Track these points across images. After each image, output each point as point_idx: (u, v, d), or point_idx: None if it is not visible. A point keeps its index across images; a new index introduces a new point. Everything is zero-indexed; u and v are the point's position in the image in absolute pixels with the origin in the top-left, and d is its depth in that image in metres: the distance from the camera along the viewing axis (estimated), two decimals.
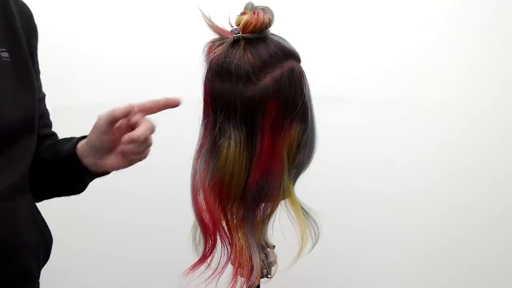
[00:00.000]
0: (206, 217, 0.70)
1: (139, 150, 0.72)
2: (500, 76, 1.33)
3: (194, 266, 0.72)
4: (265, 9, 0.65)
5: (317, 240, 0.75)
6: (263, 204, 0.70)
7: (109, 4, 1.29)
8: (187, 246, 0.76)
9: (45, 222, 0.82)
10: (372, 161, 1.37)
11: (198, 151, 0.70)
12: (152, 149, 1.39)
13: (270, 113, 0.64)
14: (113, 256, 1.37)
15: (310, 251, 0.73)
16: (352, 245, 1.39)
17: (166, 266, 1.23)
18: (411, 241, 1.40)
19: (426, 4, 1.31)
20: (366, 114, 1.35)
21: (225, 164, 0.66)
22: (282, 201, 0.72)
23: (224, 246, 0.71)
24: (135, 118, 0.70)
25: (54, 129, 1.14)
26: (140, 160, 0.75)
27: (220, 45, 0.65)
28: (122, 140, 0.68)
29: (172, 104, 0.70)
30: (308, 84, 0.69)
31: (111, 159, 0.74)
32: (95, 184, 1.33)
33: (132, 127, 0.70)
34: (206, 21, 0.66)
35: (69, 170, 0.77)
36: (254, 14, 0.63)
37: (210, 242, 0.70)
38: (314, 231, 0.74)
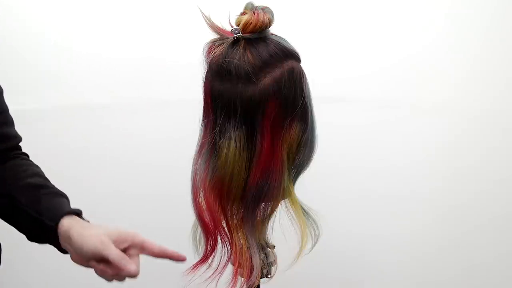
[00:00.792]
0: (207, 217, 0.70)
1: (120, 279, 0.68)
2: (500, 76, 1.33)
3: (195, 266, 0.72)
4: (265, 9, 0.65)
5: (317, 240, 0.75)
6: (263, 204, 0.70)
7: (109, 4, 1.29)
8: (188, 246, 0.76)
9: None
10: (372, 161, 1.37)
11: (198, 151, 0.70)
12: (152, 149, 1.40)
13: (270, 113, 0.64)
14: None
15: (310, 251, 0.73)
16: (352, 245, 1.39)
17: (166, 266, 1.23)
18: (411, 241, 1.40)
19: (426, 4, 1.31)
20: (366, 114, 1.35)
21: (225, 164, 0.66)
22: (282, 201, 0.72)
23: (224, 246, 0.71)
24: (132, 251, 0.68)
25: (54, 129, 1.14)
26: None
27: (220, 45, 0.65)
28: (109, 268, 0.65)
29: (177, 259, 0.68)
30: (308, 84, 0.69)
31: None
32: (95, 184, 1.33)
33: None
34: (206, 21, 0.66)
35: (41, 234, 0.71)
36: (254, 14, 0.64)
37: (211, 242, 0.70)
38: (314, 231, 0.75)
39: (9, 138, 0.80)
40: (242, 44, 0.64)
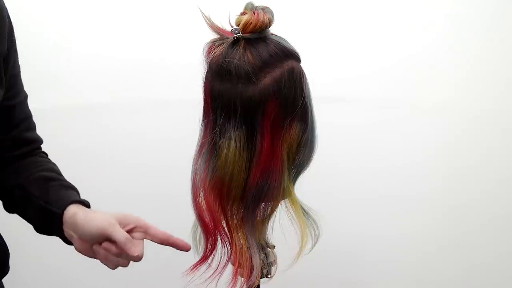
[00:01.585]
0: (207, 217, 0.70)
1: (124, 264, 0.69)
2: (500, 76, 1.33)
3: (195, 266, 0.72)
4: (265, 9, 0.65)
5: (317, 240, 0.75)
6: (263, 204, 0.70)
7: (109, 4, 1.29)
8: None
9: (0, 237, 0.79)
10: (372, 161, 1.37)
11: (198, 151, 0.70)
12: (152, 149, 1.40)
13: (270, 113, 0.64)
14: None
15: (310, 251, 0.73)
16: (352, 245, 1.39)
17: (166, 266, 1.23)
18: (411, 241, 1.40)
19: (426, 4, 1.31)
20: (366, 114, 1.35)
21: (225, 164, 0.66)
22: (282, 201, 0.72)
23: (224, 246, 0.71)
24: (137, 234, 0.68)
25: (54, 128, 1.14)
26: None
27: (220, 45, 0.65)
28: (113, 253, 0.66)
29: (182, 247, 0.69)
30: (308, 84, 0.69)
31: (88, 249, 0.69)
32: (95, 184, 1.33)
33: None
34: (206, 21, 0.66)
35: (47, 222, 0.72)
36: (254, 14, 0.63)
37: (211, 242, 0.70)
38: (314, 231, 0.75)
39: (33, 141, 0.83)
40: (242, 44, 0.64)
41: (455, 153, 1.36)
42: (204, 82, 0.68)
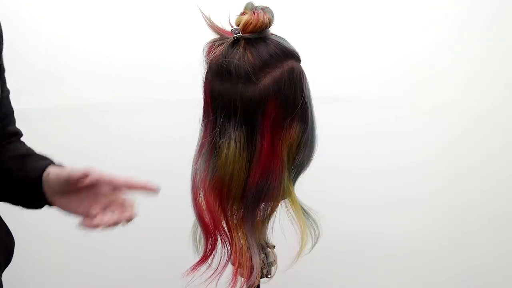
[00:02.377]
0: (207, 217, 0.70)
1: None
2: (500, 76, 1.33)
3: (195, 266, 0.72)
4: (265, 9, 0.65)
5: (317, 240, 0.75)
6: (263, 204, 0.70)
7: (109, 4, 1.29)
8: (188, 246, 0.76)
9: (5, 226, 0.80)
10: (372, 161, 1.37)
11: (198, 151, 0.70)
12: (153, 149, 1.40)
13: (270, 113, 0.64)
14: (113, 256, 1.37)
15: (310, 251, 0.73)
16: (352, 245, 1.39)
17: (166, 266, 1.23)
18: (411, 240, 1.40)
19: (426, 4, 1.31)
20: (366, 114, 1.35)
21: (225, 164, 0.66)
22: (282, 201, 0.72)
23: (224, 246, 0.71)
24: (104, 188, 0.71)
25: (55, 129, 1.14)
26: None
27: (220, 45, 0.65)
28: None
29: (150, 190, 0.72)
30: (308, 84, 0.69)
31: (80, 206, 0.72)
32: None
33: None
34: (206, 21, 0.66)
35: (30, 193, 0.74)
36: (254, 14, 0.63)
37: (211, 242, 0.70)
38: (314, 231, 0.74)
39: (14, 135, 0.84)
40: (242, 44, 0.64)
41: (455, 153, 1.36)
42: (204, 82, 0.68)
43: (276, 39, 0.66)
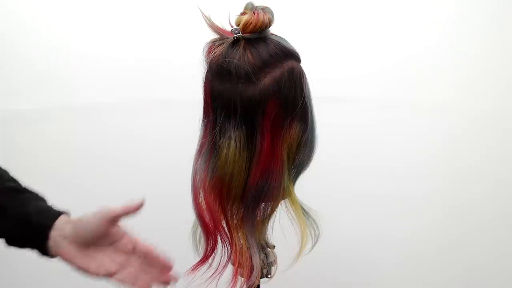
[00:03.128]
0: (206, 217, 0.70)
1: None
2: (500, 76, 1.33)
3: (196, 267, 0.72)
4: (265, 9, 0.65)
5: (317, 240, 0.75)
6: (263, 204, 0.70)
7: (109, 4, 1.29)
8: (188, 246, 0.76)
9: None
10: (372, 161, 1.37)
11: (198, 151, 0.70)
12: (154, 149, 1.40)
13: (270, 113, 0.64)
14: None
15: (310, 251, 0.73)
16: (352, 245, 1.39)
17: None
18: (411, 240, 1.40)
19: (426, 4, 1.32)
20: (366, 114, 1.35)
21: (225, 164, 0.66)
22: (282, 201, 0.72)
23: (224, 246, 0.71)
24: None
25: (55, 129, 1.14)
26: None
27: (220, 45, 0.65)
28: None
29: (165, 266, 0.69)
30: (308, 84, 0.69)
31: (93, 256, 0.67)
32: (97, 184, 1.34)
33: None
34: (206, 21, 0.66)
35: (26, 234, 0.68)
36: (254, 14, 0.63)
37: (211, 242, 0.70)
38: (314, 231, 0.75)
39: None
40: (242, 44, 0.64)
41: (455, 153, 1.36)
42: (204, 82, 0.68)
43: (276, 39, 0.66)
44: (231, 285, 0.70)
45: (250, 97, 0.63)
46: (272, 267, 0.76)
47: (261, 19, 0.63)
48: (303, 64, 0.69)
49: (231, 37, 0.65)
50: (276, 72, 0.64)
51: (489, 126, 1.35)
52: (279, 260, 0.77)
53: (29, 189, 0.74)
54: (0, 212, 0.68)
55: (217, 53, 0.64)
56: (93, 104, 1.31)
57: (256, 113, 0.64)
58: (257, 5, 0.66)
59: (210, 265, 0.72)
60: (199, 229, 0.73)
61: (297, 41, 0.70)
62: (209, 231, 0.70)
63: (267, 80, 0.63)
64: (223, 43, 0.65)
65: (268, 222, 0.73)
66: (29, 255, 1.29)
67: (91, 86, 1.31)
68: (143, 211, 1.35)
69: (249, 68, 0.62)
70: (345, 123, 1.34)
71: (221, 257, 0.71)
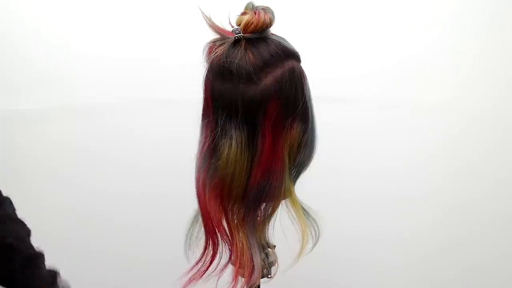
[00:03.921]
0: (208, 217, 0.70)
1: None
2: (500, 76, 1.33)
3: (196, 267, 0.72)
4: (266, 9, 0.65)
5: (317, 240, 0.75)
6: (264, 204, 0.70)
7: (109, 4, 1.29)
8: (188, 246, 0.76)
9: None
10: (372, 161, 1.37)
11: (199, 152, 0.70)
12: (154, 149, 1.40)
13: (271, 113, 0.64)
14: (113, 256, 1.37)
15: (311, 251, 0.73)
16: (352, 245, 1.39)
17: (166, 266, 1.23)
18: (411, 241, 1.40)
19: (426, 4, 1.31)
20: (366, 114, 1.35)
21: (226, 164, 0.66)
22: (283, 201, 0.72)
23: (225, 246, 0.71)
24: None
25: (55, 129, 1.13)
26: None
27: (221, 45, 0.65)
28: None
29: None
30: (308, 84, 0.69)
31: None
32: (97, 184, 1.33)
33: None
34: (206, 21, 0.66)
35: None
36: (255, 14, 0.63)
37: (211, 242, 0.70)
38: (315, 231, 0.75)
39: None
40: (243, 44, 0.64)
41: (455, 153, 1.36)
42: (205, 82, 0.68)
43: (277, 39, 0.66)
44: (231, 286, 0.69)
45: (251, 97, 0.63)
46: (272, 267, 0.76)
47: (262, 19, 0.63)
48: (303, 64, 0.69)
49: (232, 37, 0.65)
50: (277, 72, 0.64)
51: (489, 126, 1.35)
52: (279, 260, 0.77)
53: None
54: None
55: (218, 53, 0.64)
56: (93, 104, 1.31)
57: (257, 113, 0.64)
58: (257, 5, 0.66)
59: (209, 265, 0.71)
60: (198, 229, 0.73)
61: (297, 41, 0.70)
62: (210, 231, 0.70)
63: (268, 80, 0.63)
64: (224, 43, 0.65)
65: (269, 222, 0.72)
66: None
67: (91, 86, 1.31)
68: (143, 211, 1.35)
69: (250, 68, 0.62)
70: (345, 123, 1.34)
71: (221, 257, 0.71)
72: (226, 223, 0.70)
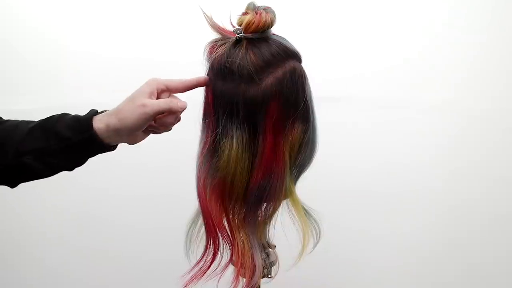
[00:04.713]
0: (209, 217, 0.69)
1: (173, 122, 0.71)
2: (500, 76, 1.33)
3: (196, 266, 0.72)
4: (267, 9, 0.65)
5: (318, 240, 0.75)
6: (265, 204, 0.70)
7: (109, 4, 1.29)
8: (188, 246, 0.76)
9: None
10: (373, 161, 1.37)
11: (200, 152, 0.70)
12: (153, 149, 1.40)
13: (272, 113, 0.64)
14: (114, 256, 1.37)
15: (312, 251, 0.73)
16: (352, 245, 1.39)
17: (167, 267, 1.23)
18: (412, 241, 1.40)
19: (426, 4, 1.32)
20: (366, 114, 1.35)
21: (227, 164, 0.66)
22: (283, 201, 0.72)
23: (226, 246, 0.71)
24: (163, 95, 0.71)
25: None
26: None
27: (222, 45, 0.65)
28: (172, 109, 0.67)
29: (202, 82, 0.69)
30: (309, 84, 0.69)
31: (138, 136, 0.73)
32: (96, 184, 1.33)
33: None
34: (207, 21, 0.66)
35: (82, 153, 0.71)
36: (256, 14, 0.63)
37: (213, 242, 0.70)
38: (316, 231, 0.75)
39: None
40: (245, 44, 0.64)
41: (455, 153, 1.36)
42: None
43: (278, 39, 0.66)
44: (232, 286, 0.69)
45: (252, 97, 0.63)
46: (273, 267, 0.76)
47: (263, 19, 0.63)
48: (304, 64, 0.69)
49: (233, 37, 0.65)
50: (278, 72, 0.64)
51: (489, 126, 1.35)
52: (280, 260, 0.77)
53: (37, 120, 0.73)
54: (42, 151, 0.67)
55: (219, 53, 0.64)
56: (93, 104, 1.31)
57: (259, 113, 0.64)
58: (259, 5, 0.66)
59: (210, 264, 0.71)
60: (198, 228, 0.74)
61: (298, 41, 0.70)
62: (211, 231, 0.70)
63: (269, 80, 0.63)
64: (225, 43, 0.65)
65: (270, 222, 0.73)
66: (29, 255, 1.29)
67: (91, 86, 1.31)
68: (143, 211, 1.35)
69: (251, 68, 0.62)
70: (345, 123, 1.34)
71: (221, 257, 0.71)
72: (227, 223, 0.70)
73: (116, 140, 0.71)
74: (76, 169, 0.91)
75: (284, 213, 0.73)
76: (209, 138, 0.67)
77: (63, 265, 1.36)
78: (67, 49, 1.30)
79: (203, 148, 0.69)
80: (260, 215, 0.71)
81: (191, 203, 0.73)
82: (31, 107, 1.27)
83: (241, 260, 0.69)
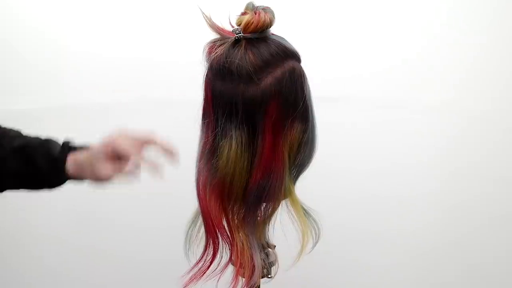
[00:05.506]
0: (208, 217, 0.70)
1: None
2: (500, 76, 1.33)
3: (194, 267, 0.72)
4: (266, 9, 0.65)
5: (317, 240, 0.75)
6: (264, 204, 0.70)
7: (109, 4, 1.29)
8: (188, 246, 0.76)
9: None
10: (372, 161, 1.37)
11: (200, 152, 0.70)
12: (153, 149, 1.39)
13: (271, 113, 0.64)
14: (113, 256, 1.37)
15: (311, 251, 0.73)
16: (352, 245, 1.39)
17: (167, 267, 1.23)
18: (412, 241, 1.40)
19: (425, 4, 1.31)
20: (366, 114, 1.35)
21: (227, 164, 0.66)
22: (283, 201, 0.72)
23: (225, 246, 0.71)
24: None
25: (54, 129, 1.13)
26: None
27: (221, 45, 0.65)
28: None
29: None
30: (308, 84, 0.69)
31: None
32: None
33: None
34: (206, 21, 0.66)
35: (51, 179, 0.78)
36: (255, 14, 0.63)
37: (212, 242, 0.70)
38: (315, 231, 0.75)
39: None
40: (244, 44, 0.64)
41: (455, 153, 1.36)
42: (205, 82, 0.68)
43: (277, 39, 0.66)
44: (232, 286, 0.70)
45: (251, 97, 0.63)
46: (273, 267, 0.76)
47: (262, 19, 0.63)
48: (303, 64, 0.69)
49: (232, 37, 0.65)
50: (277, 72, 0.64)
51: (489, 126, 1.35)
52: (280, 260, 0.77)
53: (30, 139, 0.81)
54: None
55: (218, 53, 0.64)
56: (93, 104, 1.31)
57: (258, 113, 0.64)
58: (258, 5, 0.66)
59: (210, 265, 0.71)
60: (197, 228, 0.74)
61: (297, 41, 0.70)
62: (210, 231, 0.70)
63: (268, 80, 0.63)
64: (224, 43, 0.65)
65: (269, 222, 0.73)
66: (28, 254, 1.29)
67: (91, 86, 1.31)
68: (143, 211, 1.35)
69: (250, 68, 0.62)
70: (345, 123, 1.34)
71: (222, 257, 0.71)
72: (227, 223, 0.70)
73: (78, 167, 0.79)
74: None
75: (284, 213, 0.73)
76: (208, 138, 0.68)
77: (63, 264, 1.37)
78: (67, 49, 1.30)
79: (202, 148, 0.69)
80: (259, 215, 0.71)
81: (190, 203, 0.73)
82: (31, 107, 1.27)
83: (240, 260, 0.69)
